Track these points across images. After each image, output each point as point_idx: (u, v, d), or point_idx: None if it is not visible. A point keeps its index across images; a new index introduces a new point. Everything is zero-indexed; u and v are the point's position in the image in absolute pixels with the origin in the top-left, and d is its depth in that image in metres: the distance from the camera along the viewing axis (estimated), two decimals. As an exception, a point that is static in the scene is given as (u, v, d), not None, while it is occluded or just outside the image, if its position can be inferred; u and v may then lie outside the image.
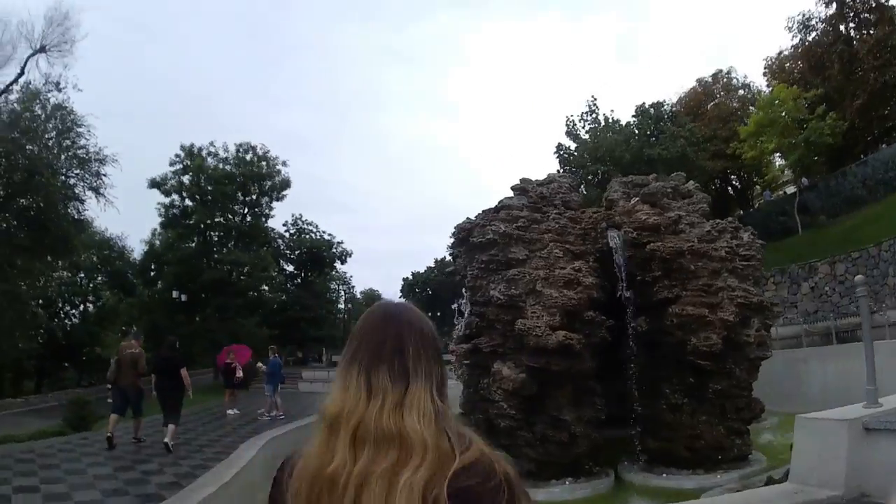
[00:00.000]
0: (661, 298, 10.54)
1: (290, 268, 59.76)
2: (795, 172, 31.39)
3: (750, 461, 10.29)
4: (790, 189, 39.89)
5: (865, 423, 4.05)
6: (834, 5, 32.41)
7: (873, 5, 30.89)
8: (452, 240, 12.04)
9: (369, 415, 1.10)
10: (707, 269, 10.85)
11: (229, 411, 19.04)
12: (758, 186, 40.66)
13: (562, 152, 36.29)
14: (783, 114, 28.35)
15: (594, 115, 35.48)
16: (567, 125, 36.20)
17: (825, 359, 14.96)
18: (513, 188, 12.86)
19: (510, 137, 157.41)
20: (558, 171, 28.39)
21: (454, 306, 13.59)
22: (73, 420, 16.02)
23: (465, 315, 13.84)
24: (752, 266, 11.97)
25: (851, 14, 32.30)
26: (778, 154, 32.89)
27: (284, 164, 45.65)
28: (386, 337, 1.23)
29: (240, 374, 19.82)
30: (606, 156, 32.59)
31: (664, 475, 10.01)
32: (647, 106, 35.40)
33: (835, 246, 22.81)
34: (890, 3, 30.39)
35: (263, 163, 44.56)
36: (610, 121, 35.38)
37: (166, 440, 12.09)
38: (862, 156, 31.25)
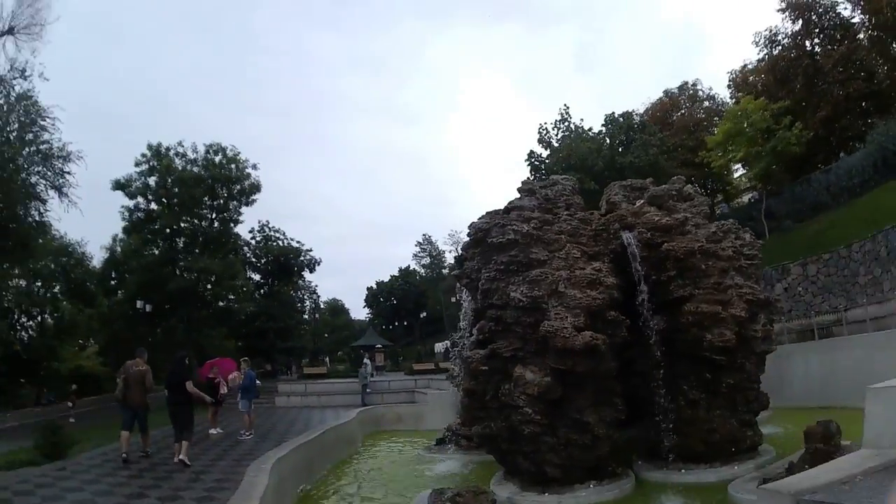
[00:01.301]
0: (676, 297, 10.81)
1: (257, 277, 58.36)
2: (759, 180, 32.44)
3: (760, 452, 10.71)
4: (746, 196, 41.30)
5: None
6: (800, 22, 34.04)
7: (838, 22, 32.58)
8: (466, 240, 11.84)
9: None
10: (717, 268, 11.22)
11: (212, 431, 17.88)
12: (719, 195, 42.04)
13: (533, 160, 36.79)
14: (747, 125, 29.44)
15: (567, 124, 36.11)
16: (540, 132, 36.77)
17: (808, 353, 15.81)
18: (519, 189, 12.94)
19: (474, 147, 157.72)
20: (529, 179, 28.77)
21: (462, 309, 13.44)
22: (46, 447, 14.59)
23: (463, 317, 13.85)
24: (754, 265, 12.48)
25: (817, 30, 33.97)
26: (740, 164, 34.09)
27: (255, 167, 44.52)
28: None
29: (224, 389, 18.59)
30: (579, 164, 33.13)
31: (682, 471, 10.25)
32: (616, 115, 36.25)
33: (802, 249, 23.80)
34: (854, 20, 32.15)
35: (233, 165, 42.78)
36: (581, 129, 36.05)
37: (182, 457, 11.80)
38: (821, 165, 32.63)
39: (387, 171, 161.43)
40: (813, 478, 4.29)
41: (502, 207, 12.05)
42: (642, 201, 12.78)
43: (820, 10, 33.72)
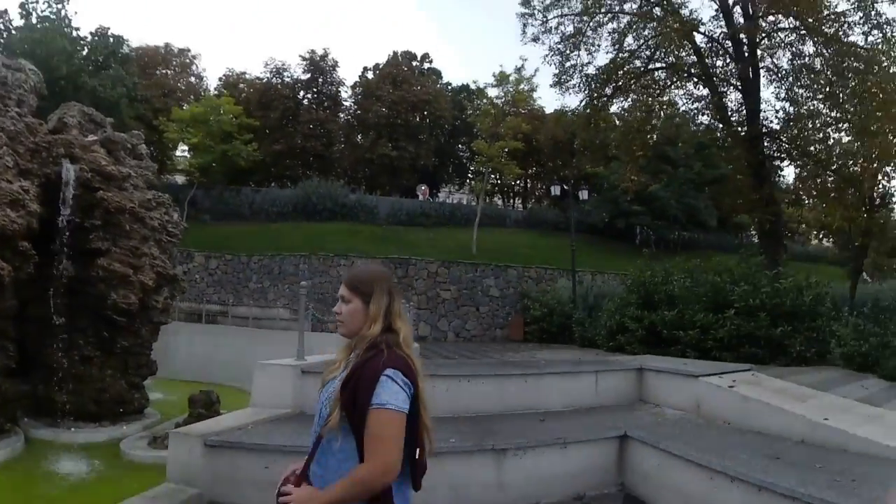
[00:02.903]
0: (93, 248, 10.49)
1: None
2: (198, 170, 33.85)
3: (146, 414, 11.17)
4: (179, 177, 42.46)
5: (304, 368, 6.02)
6: (308, 75, 40.68)
7: (333, 95, 41.28)
8: None
9: None
10: (140, 234, 11.39)
11: None
12: (157, 164, 41.98)
13: (2, 22, 29.44)
14: (214, 120, 31.24)
15: (60, 8, 30.22)
16: None
17: (194, 334, 17.63)
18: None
19: None
20: None
21: None
22: None
23: None
24: (173, 243, 13.14)
25: (315, 90, 41.07)
26: (188, 148, 35.08)
27: None
28: None
29: None
30: (44, 57, 27.62)
31: (72, 429, 9.82)
32: (109, 33, 32.58)
33: (210, 244, 26.04)
34: (345, 102, 41.18)
35: None
36: (68, 21, 30.69)
37: None
38: (252, 184, 36.66)
39: None
40: (214, 424, 5.14)
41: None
42: (96, 138, 11.97)
43: (329, 79, 41.30)
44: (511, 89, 30.17)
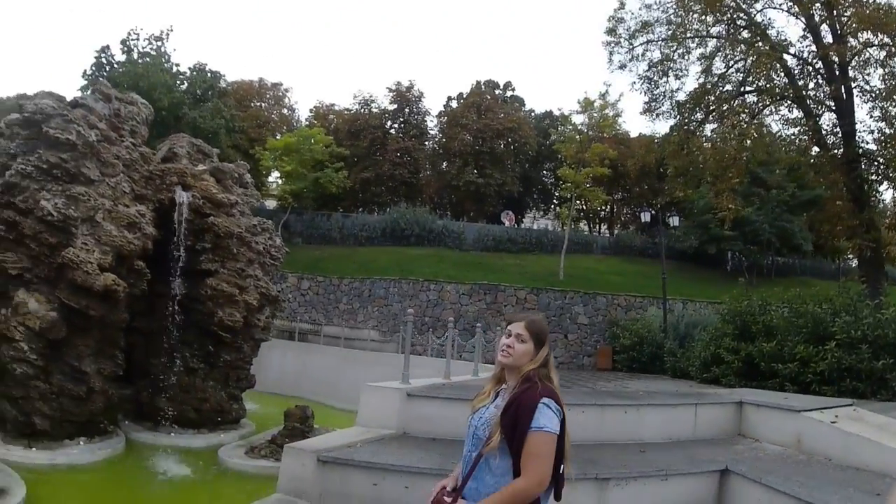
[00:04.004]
0: (203, 269, 11.27)
1: None
2: (291, 196, 35.45)
3: (242, 424, 11.81)
4: (270, 202, 44.42)
5: (409, 392, 6.30)
6: (395, 106, 42.42)
7: (419, 124, 42.93)
8: (15, 116, 9.65)
9: None
10: (245, 257, 12.21)
11: None
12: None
13: (105, 56, 32.36)
14: (308, 149, 32.96)
15: (161, 44, 32.98)
16: (129, 34, 32.60)
17: (287, 350, 18.47)
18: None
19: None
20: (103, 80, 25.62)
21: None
22: None
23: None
24: (276, 266, 14.06)
25: (402, 120, 42.57)
26: (282, 175, 36.83)
27: None
28: None
29: None
30: (147, 90, 30.25)
31: (172, 434, 10.47)
32: (206, 68, 35.13)
33: (301, 266, 27.19)
34: (431, 131, 43.64)
35: None
36: (167, 57, 33.32)
37: None
38: (341, 209, 38.03)
39: None
40: (325, 441, 5.43)
41: (70, 98, 10.55)
42: (205, 168, 12.90)
43: (415, 109, 42.87)
44: (596, 115, 29.99)
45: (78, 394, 8.95)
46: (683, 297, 24.26)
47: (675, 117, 20.29)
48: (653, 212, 23.51)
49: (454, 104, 44.38)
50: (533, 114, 48.20)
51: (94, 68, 32.35)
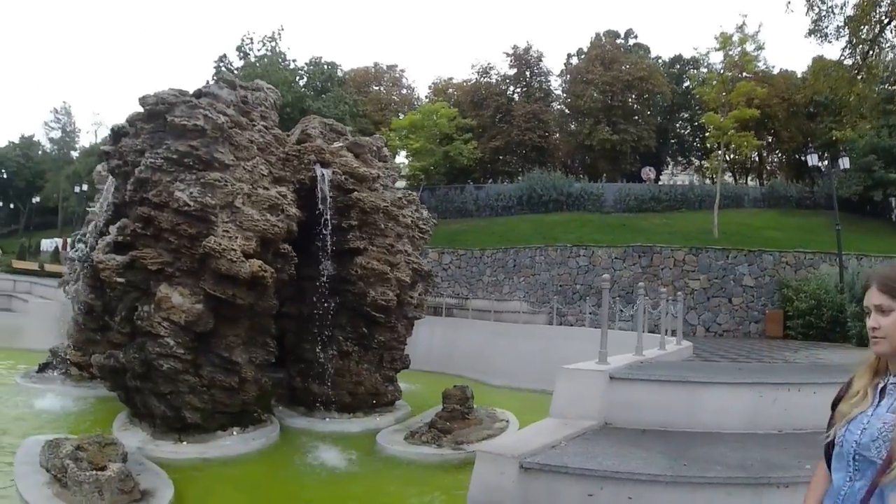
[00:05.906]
0: (351, 248, 10.48)
1: None
2: (422, 172, 35.09)
3: (397, 406, 11.10)
4: (401, 182, 44.49)
5: (612, 374, 5.30)
6: (515, 70, 40.68)
7: (542, 87, 41.05)
8: (138, 112, 9.25)
9: None
10: (394, 232, 11.35)
11: None
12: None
13: (224, 65, 33.72)
14: (434, 124, 32.23)
15: (273, 44, 33.82)
16: (243, 40, 33.87)
17: (434, 326, 17.52)
18: (218, 78, 11.19)
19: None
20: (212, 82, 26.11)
21: (101, 198, 10.86)
22: None
23: (102, 209, 11.42)
24: (424, 239, 13.11)
25: (524, 84, 41.15)
26: (410, 153, 36.55)
27: None
28: None
29: None
30: None
31: (326, 419, 10.00)
32: (322, 61, 35.52)
33: (440, 241, 26.67)
34: (556, 92, 40.98)
35: None
36: (283, 56, 34.19)
37: None
38: (470, 181, 37.14)
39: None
40: (526, 441, 4.53)
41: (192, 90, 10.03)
42: (341, 144, 12.16)
43: (536, 71, 41.04)
44: (736, 51, 26.35)
45: (230, 384, 8.48)
46: (856, 251, 20.81)
47: (847, 37, 17.20)
48: (818, 154, 20.28)
49: (575, 61, 41.97)
50: (660, 60, 44.46)
51: (215, 79, 33.70)
